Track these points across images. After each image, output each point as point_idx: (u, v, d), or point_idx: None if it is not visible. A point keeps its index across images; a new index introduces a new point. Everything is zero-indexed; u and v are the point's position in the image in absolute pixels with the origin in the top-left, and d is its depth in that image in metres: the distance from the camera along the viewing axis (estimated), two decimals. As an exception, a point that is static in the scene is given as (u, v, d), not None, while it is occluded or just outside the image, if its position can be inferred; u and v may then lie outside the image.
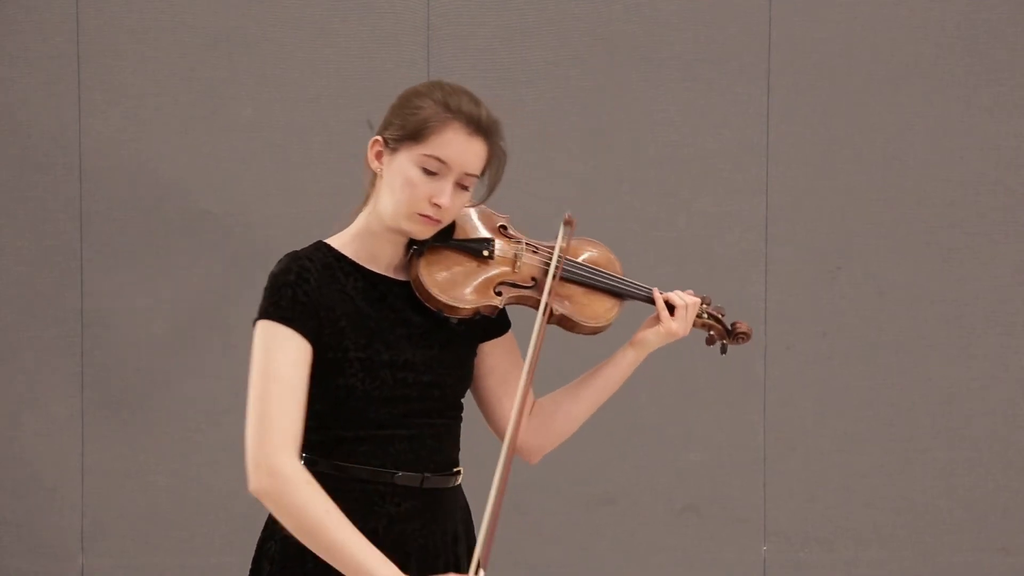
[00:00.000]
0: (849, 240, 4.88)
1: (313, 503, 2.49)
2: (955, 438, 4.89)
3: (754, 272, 4.88)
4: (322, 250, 2.65)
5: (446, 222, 2.63)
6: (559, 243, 2.73)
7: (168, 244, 4.83)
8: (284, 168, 4.84)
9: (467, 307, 2.63)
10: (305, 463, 2.62)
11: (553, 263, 2.70)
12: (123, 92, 4.83)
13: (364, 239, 2.66)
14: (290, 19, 4.85)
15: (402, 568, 2.56)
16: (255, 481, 2.50)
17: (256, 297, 2.52)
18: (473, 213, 2.73)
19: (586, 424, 4.99)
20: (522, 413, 2.63)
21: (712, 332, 2.89)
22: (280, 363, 2.52)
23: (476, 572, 2.55)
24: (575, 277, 2.76)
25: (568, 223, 2.77)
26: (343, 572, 2.50)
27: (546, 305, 2.67)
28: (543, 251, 2.74)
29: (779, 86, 4.87)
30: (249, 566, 2.68)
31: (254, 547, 2.67)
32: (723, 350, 2.92)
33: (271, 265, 2.64)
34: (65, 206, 4.84)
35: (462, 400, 2.73)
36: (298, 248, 2.65)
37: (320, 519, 2.48)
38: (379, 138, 2.64)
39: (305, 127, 4.84)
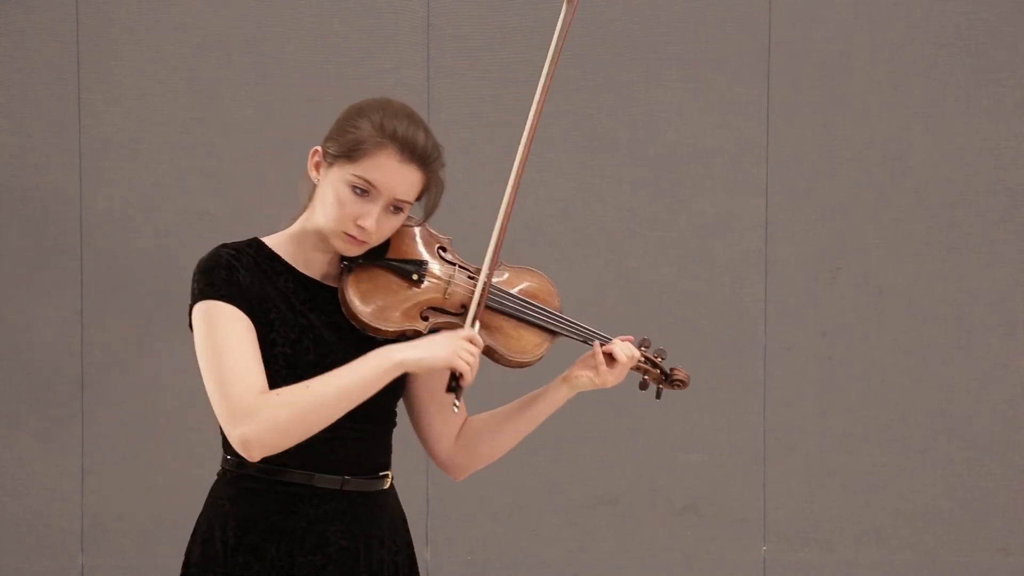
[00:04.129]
0: (849, 240, 4.88)
1: (294, 396, 2.49)
2: (955, 438, 4.89)
3: (754, 272, 4.88)
4: (254, 246, 2.65)
5: (373, 243, 2.59)
6: (556, 37, 2.65)
7: (168, 244, 4.83)
8: (284, 168, 4.84)
9: (391, 330, 2.59)
10: (230, 465, 2.62)
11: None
12: (123, 92, 4.83)
13: (299, 243, 2.64)
14: (290, 19, 4.84)
15: (322, 569, 2.58)
16: (241, 433, 2.47)
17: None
18: (411, 231, 2.66)
19: (586, 424, 5.00)
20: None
21: (647, 376, 2.80)
22: (229, 333, 2.52)
23: (472, 324, 2.57)
24: (506, 309, 2.67)
25: (570, 1, 2.68)
26: (366, 394, 2.51)
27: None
28: (478, 277, 2.64)
29: (779, 86, 4.87)
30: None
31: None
32: (658, 395, 2.85)
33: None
34: (65, 206, 4.84)
35: (394, 409, 2.69)
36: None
37: (312, 397, 2.49)
38: (319, 148, 2.62)
39: (305, 127, 4.84)
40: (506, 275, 2.71)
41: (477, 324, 2.58)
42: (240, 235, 5.01)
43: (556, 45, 2.65)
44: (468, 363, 2.52)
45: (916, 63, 4.86)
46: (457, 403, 2.56)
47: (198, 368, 2.53)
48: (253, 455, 2.49)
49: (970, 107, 4.86)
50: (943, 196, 4.88)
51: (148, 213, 4.83)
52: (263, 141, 4.84)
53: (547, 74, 2.64)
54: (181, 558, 2.74)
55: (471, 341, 2.54)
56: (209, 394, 2.51)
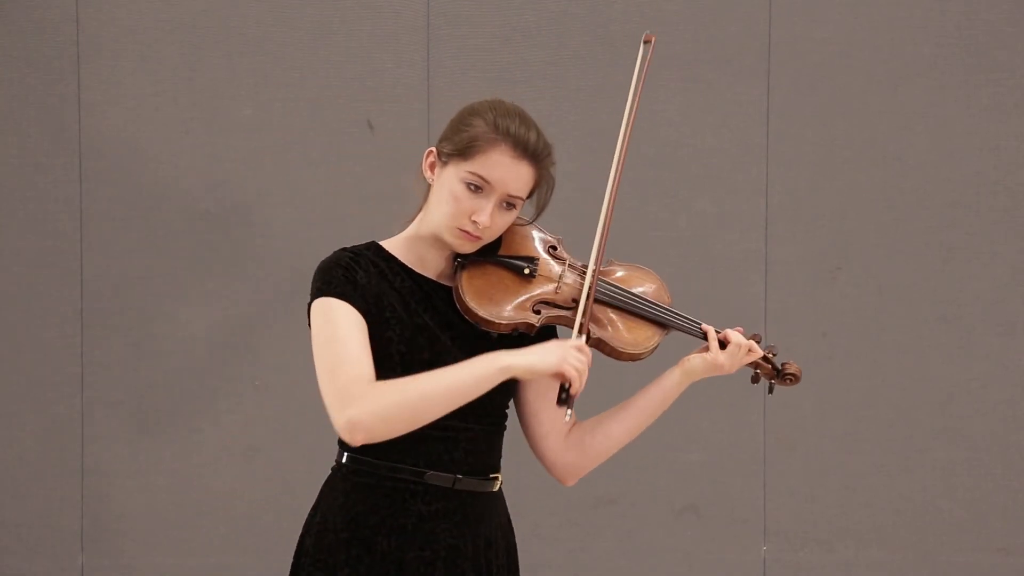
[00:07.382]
0: (849, 240, 4.88)
1: (402, 386, 2.55)
2: (955, 438, 4.89)
3: (754, 272, 4.88)
4: (372, 248, 2.72)
5: (487, 239, 2.68)
6: (635, 78, 2.74)
7: (168, 244, 4.83)
8: (284, 168, 4.84)
9: (504, 323, 2.66)
10: (345, 461, 2.69)
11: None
12: (123, 92, 4.83)
13: (414, 244, 2.72)
14: (290, 19, 4.85)
15: (430, 567, 2.63)
16: (348, 416, 2.52)
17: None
18: (523, 230, 2.76)
19: (586, 424, 4.97)
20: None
21: (759, 371, 2.87)
22: (343, 326, 2.59)
23: (583, 316, 2.63)
24: (616, 302, 2.76)
25: (647, 41, 2.78)
26: (473, 394, 2.56)
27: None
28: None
29: (779, 86, 4.87)
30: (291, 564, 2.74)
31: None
32: (770, 390, 2.91)
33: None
34: (65, 206, 4.84)
35: (506, 410, 2.76)
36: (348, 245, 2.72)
37: (418, 390, 2.54)
38: (433, 149, 2.70)
39: (305, 127, 4.85)
40: (616, 272, 2.81)
41: (585, 334, 2.63)
42: (239, 234, 5.03)
43: (636, 86, 2.77)
44: (577, 370, 2.57)
45: (916, 63, 4.86)
46: (570, 411, 2.61)
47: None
48: (356, 439, 2.54)
49: (970, 107, 4.86)
50: (943, 196, 4.88)
51: (148, 213, 4.83)
52: (263, 141, 4.84)
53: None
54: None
55: (580, 351, 2.59)
56: (320, 382, 2.57)
